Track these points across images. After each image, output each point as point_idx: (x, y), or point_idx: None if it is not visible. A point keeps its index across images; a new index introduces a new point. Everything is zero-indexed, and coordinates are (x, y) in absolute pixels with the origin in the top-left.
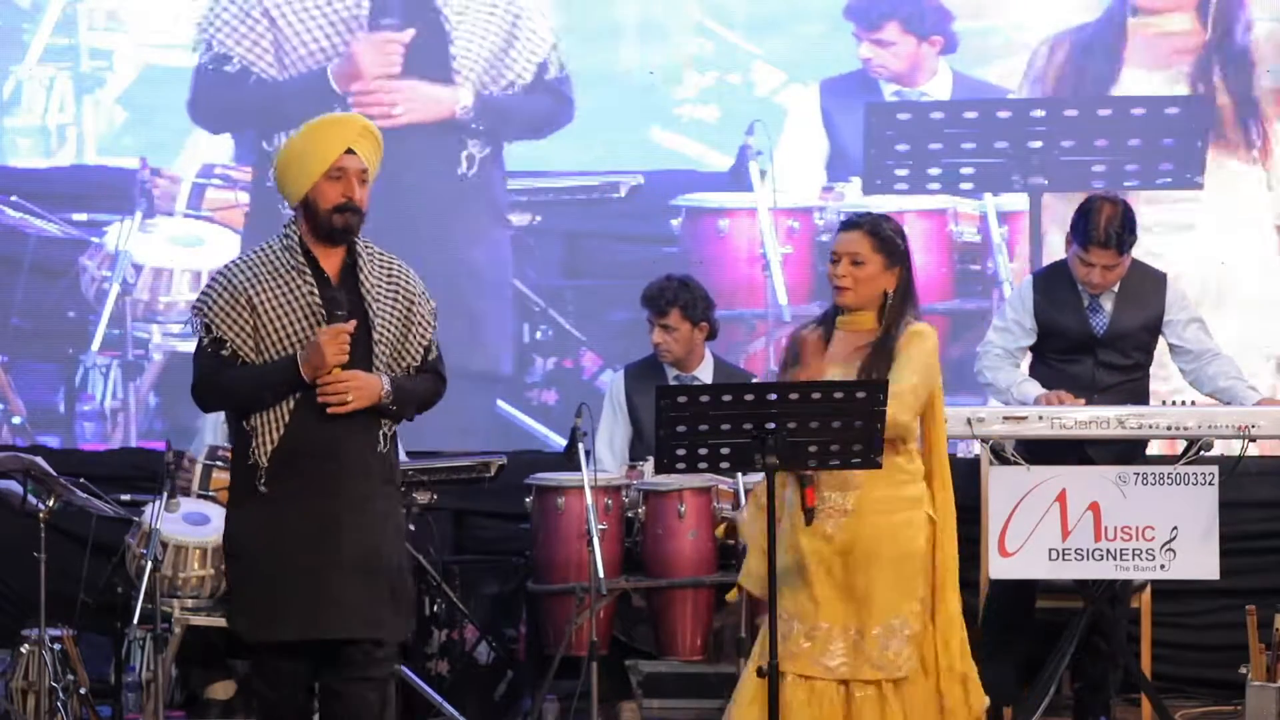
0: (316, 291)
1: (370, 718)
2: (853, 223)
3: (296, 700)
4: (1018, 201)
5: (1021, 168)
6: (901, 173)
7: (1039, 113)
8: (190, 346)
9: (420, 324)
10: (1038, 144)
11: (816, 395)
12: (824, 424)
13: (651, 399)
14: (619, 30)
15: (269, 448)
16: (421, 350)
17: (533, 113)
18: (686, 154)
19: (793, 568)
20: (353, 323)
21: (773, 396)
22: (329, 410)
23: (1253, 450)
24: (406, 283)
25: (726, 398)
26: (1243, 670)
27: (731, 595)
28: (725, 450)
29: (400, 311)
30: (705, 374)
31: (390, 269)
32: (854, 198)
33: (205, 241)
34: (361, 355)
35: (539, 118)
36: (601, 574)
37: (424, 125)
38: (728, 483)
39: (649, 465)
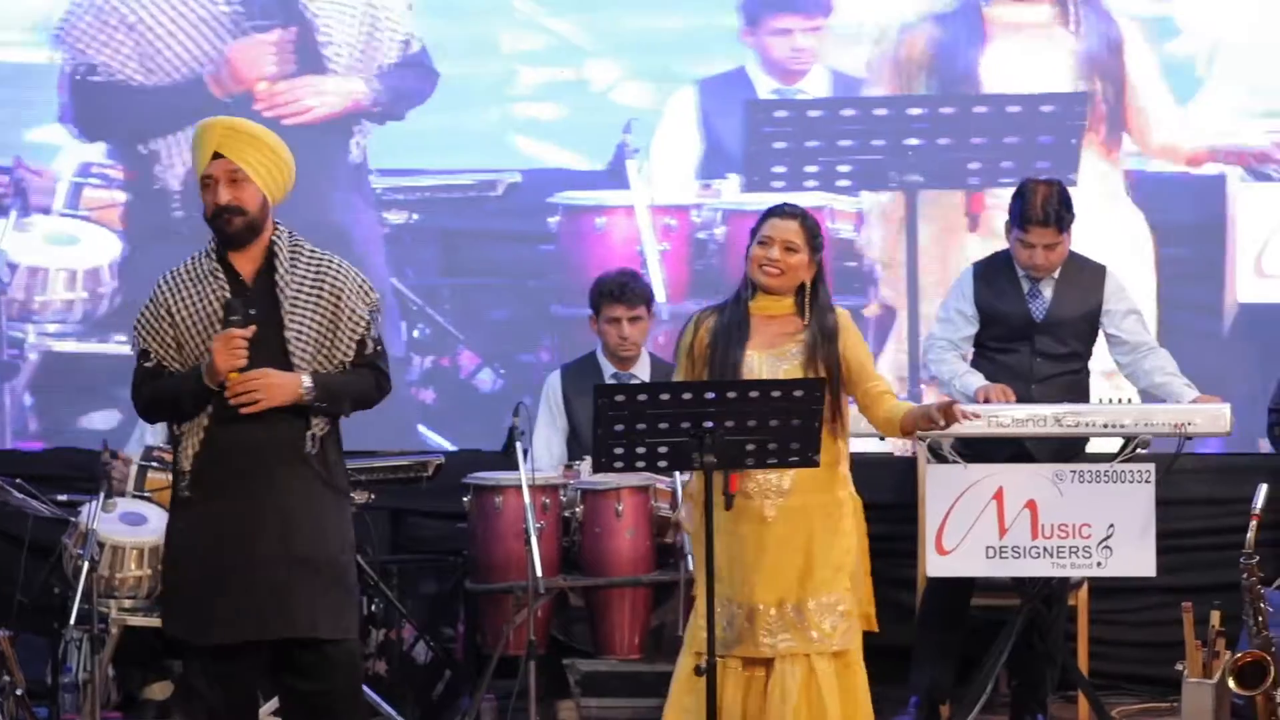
0: (229, 295)
1: (329, 717)
2: (790, 212)
3: (238, 702)
4: (894, 199)
5: (898, 165)
6: (779, 170)
7: (916, 110)
8: (67, 346)
9: (351, 320)
10: (915, 141)
11: (754, 394)
12: (762, 423)
13: (589, 398)
14: (483, 28)
15: (190, 453)
16: (354, 346)
17: (405, 94)
18: (563, 153)
19: (734, 553)
20: (252, 328)
21: (711, 395)
22: (241, 411)
23: (1189, 447)
24: (335, 279)
25: (665, 396)
26: (1179, 667)
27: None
28: (663, 449)
29: (326, 308)
30: (643, 372)
31: (319, 265)
32: (731, 195)
33: (82, 240)
34: (276, 355)
35: (410, 98)
36: (539, 573)
37: (332, 120)
38: (665, 481)
39: (586, 464)
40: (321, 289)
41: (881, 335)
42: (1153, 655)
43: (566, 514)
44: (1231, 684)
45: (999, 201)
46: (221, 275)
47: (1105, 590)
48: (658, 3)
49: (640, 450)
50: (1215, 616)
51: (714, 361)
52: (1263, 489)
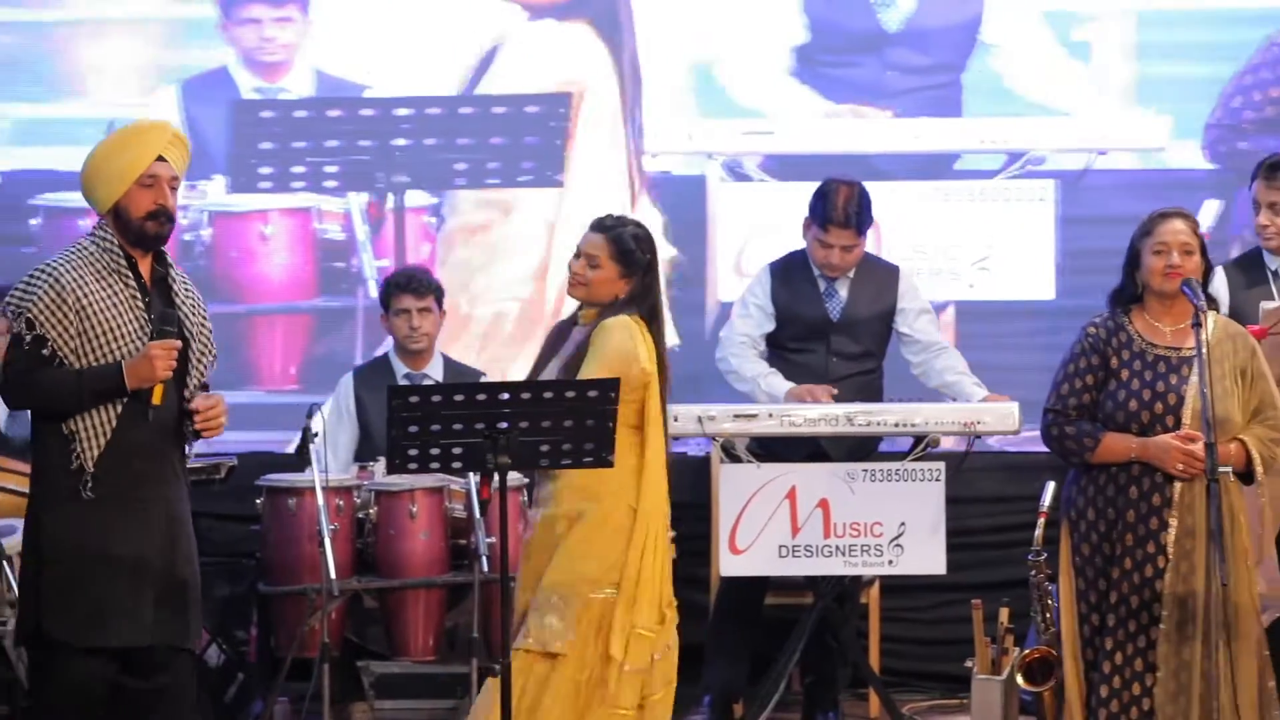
0: (139, 297)
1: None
2: (600, 225)
3: (98, 708)
4: (383, 199)
5: (385, 166)
6: (266, 171)
7: (403, 111)
8: None
9: (209, 339)
10: (402, 142)
11: (549, 394)
12: (556, 423)
13: (382, 399)
14: None
15: (95, 453)
16: (212, 365)
17: None
18: (47, 153)
19: (523, 557)
20: (178, 342)
21: (505, 396)
22: (204, 435)
23: (978, 446)
24: (198, 298)
25: (458, 397)
26: (968, 664)
27: None
28: (457, 450)
29: (203, 326)
30: (436, 372)
31: (187, 283)
32: (217, 196)
33: None
34: (178, 369)
35: None
36: (333, 575)
37: None
38: (459, 483)
39: (381, 465)
40: (195, 307)
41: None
42: (943, 652)
43: (360, 515)
44: (1019, 680)
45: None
46: (130, 275)
47: (896, 588)
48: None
49: (434, 451)
50: (1004, 613)
51: (537, 365)
52: (1050, 486)
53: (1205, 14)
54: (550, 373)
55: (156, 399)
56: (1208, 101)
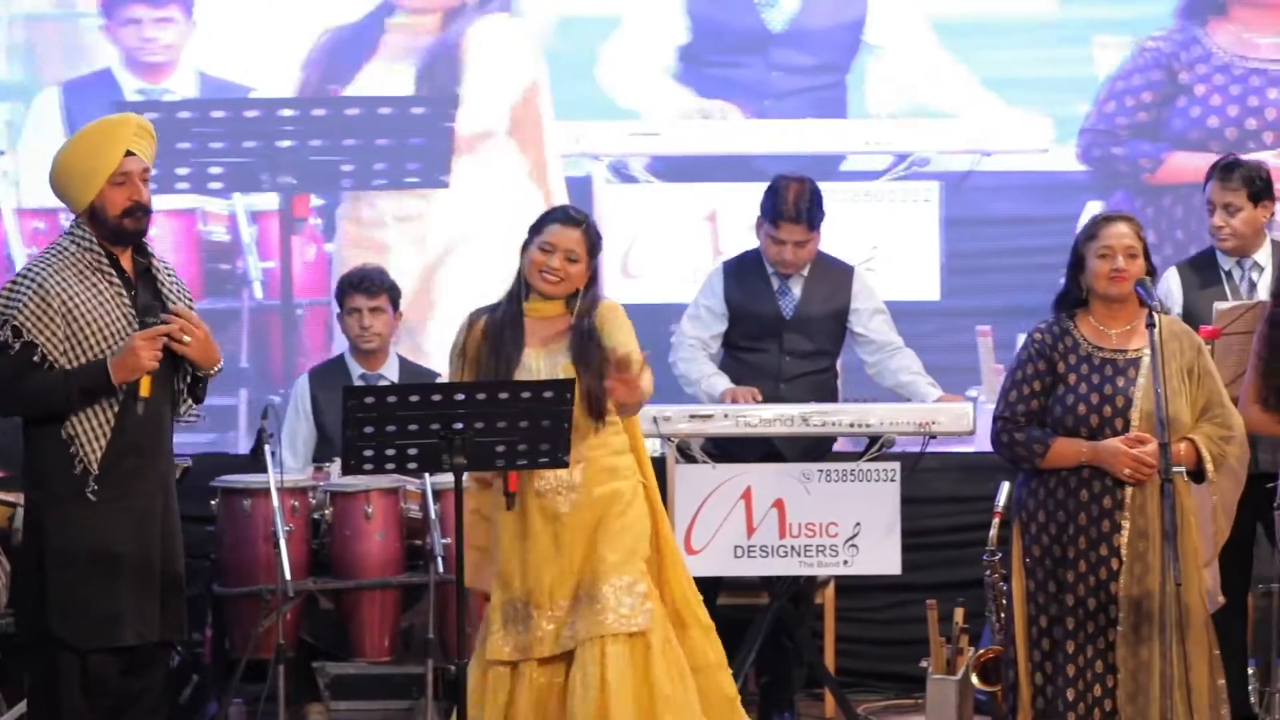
0: (124, 293)
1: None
2: (574, 219)
3: (106, 707)
4: (268, 201)
5: (270, 167)
6: (151, 172)
7: (288, 112)
8: None
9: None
10: (287, 143)
11: (504, 395)
12: (511, 424)
13: (337, 400)
14: None
15: (97, 454)
16: None
17: None
18: None
19: (527, 552)
20: (176, 323)
21: (460, 397)
22: (175, 348)
23: (933, 446)
24: (183, 286)
25: (414, 398)
26: (923, 664)
27: None
28: (413, 451)
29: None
30: (391, 373)
31: (171, 272)
32: None
33: None
34: (166, 360)
35: None
36: (288, 576)
37: None
38: (415, 483)
39: (336, 466)
40: (181, 291)
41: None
42: (898, 652)
43: (316, 516)
44: (974, 680)
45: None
46: (112, 271)
47: (852, 588)
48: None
49: (390, 452)
50: (959, 613)
51: (490, 362)
52: (1005, 487)
53: (1082, 20)
54: (533, 364)
55: (144, 391)
56: (1086, 106)
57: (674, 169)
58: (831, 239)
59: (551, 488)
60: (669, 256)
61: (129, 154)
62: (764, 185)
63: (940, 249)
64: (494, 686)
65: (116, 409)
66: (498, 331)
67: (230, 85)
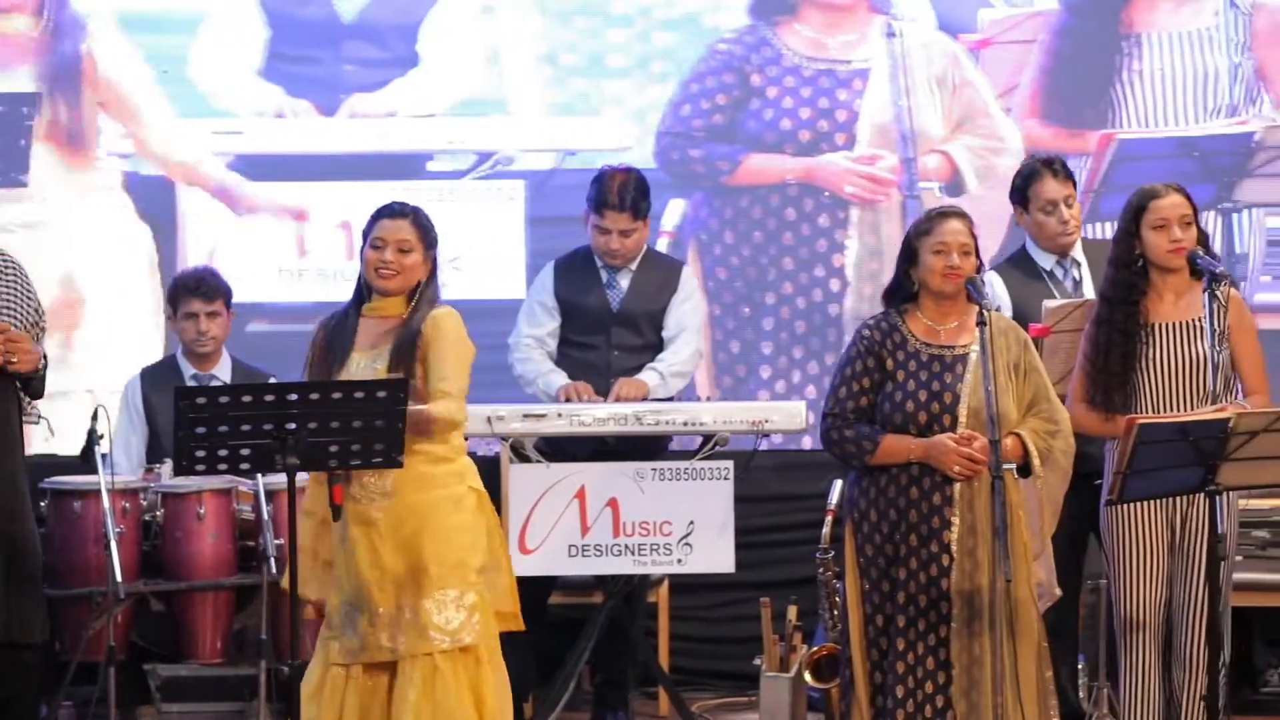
0: None
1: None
2: (399, 211)
3: None
4: None
5: None
6: None
7: None
8: None
9: (27, 310)
10: None
11: (337, 395)
12: (345, 424)
13: (169, 400)
14: None
15: None
16: (37, 335)
17: None
18: None
19: (348, 558)
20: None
21: (293, 397)
22: (8, 369)
23: (765, 444)
24: (18, 270)
25: (247, 398)
26: (757, 661)
27: None
28: (246, 451)
29: (26, 307)
30: (224, 374)
31: (7, 258)
32: None
33: None
34: None
35: None
36: (119, 578)
37: None
38: (247, 484)
39: (168, 467)
40: (16, 276)
41: None
42: (732, 650)
43: (147, 518)
44: (807, 677)
45: None
46: None
47: (685, 586)
48: None
49: (222, 453)
50: (792, 611)
51: (318, 365)
52: (837, 485)
53: (660, 21)
54: (354, 366)
55: None
56: (662, 109)
57: (256, 168)
58: None
59: (366, 494)
60: (254, 257)
61: None
62: (346, 185)
63: (525, 248)
64: (331, 687)
65: None
66: (333, 334)
67: None
